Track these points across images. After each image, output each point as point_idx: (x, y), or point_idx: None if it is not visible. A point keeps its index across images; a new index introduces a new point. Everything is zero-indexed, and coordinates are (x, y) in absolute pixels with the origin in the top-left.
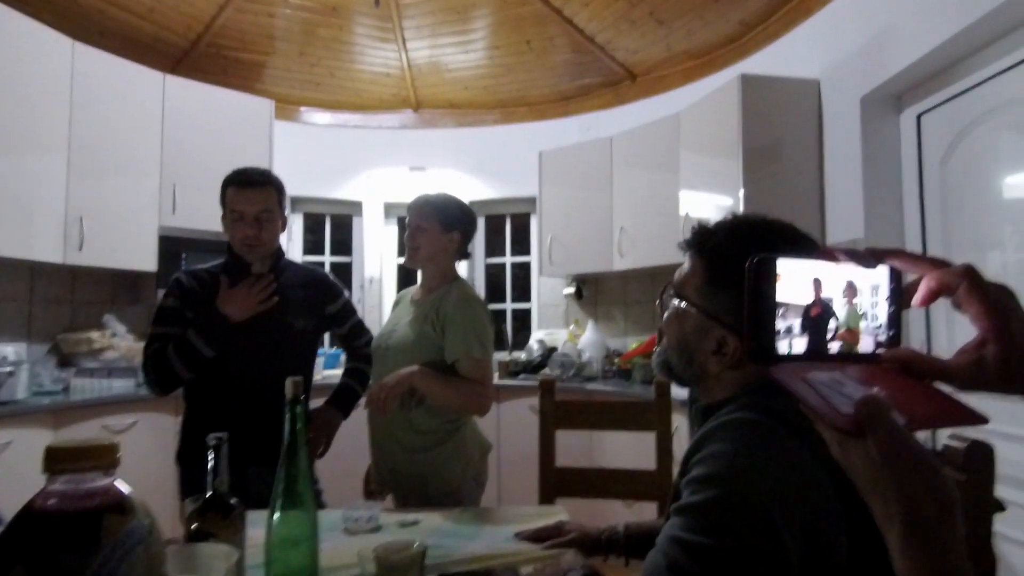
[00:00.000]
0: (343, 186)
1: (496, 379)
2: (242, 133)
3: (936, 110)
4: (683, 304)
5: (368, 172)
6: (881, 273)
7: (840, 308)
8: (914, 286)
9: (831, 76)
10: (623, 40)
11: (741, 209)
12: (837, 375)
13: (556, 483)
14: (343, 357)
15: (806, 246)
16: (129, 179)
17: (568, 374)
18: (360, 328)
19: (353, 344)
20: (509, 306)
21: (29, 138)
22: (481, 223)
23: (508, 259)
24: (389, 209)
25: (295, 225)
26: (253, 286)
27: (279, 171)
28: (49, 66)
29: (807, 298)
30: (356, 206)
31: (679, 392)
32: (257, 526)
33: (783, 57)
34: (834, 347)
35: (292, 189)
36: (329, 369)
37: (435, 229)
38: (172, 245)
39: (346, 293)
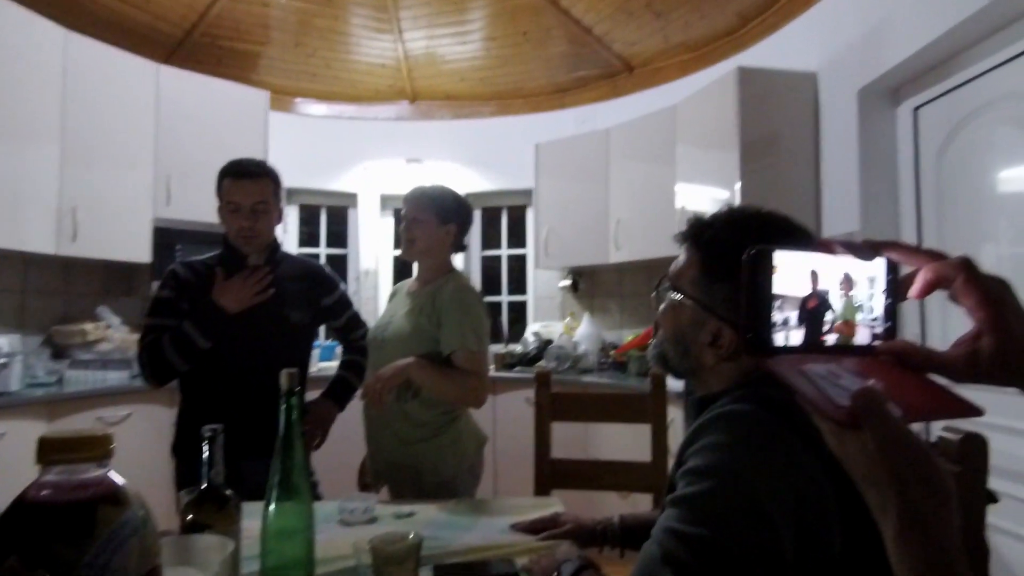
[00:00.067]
0: (339, 178)
1: (492, 371)
2: (237, 124)
3: (933, 103)
4: (679, 296)
5: (364, 164)
6: (878, 265)
7: (837, 300)
8: (910, 278)
9: (828, 69)
10: (620, 32)
11: (737, 202)
12: (833, 367)
13: (551, 475)
14: (339, 349)
15: (802, 238)
16: (123, 170)
17: (564, 366)
18: (356, 320)
19: (349, 337)
20: (505, 298)
21: (21, 128)
22: (477, 215)
23: (504, 251)
24: (385, 201)
25: (291, 217)
26: (249, 278)
27: (274, 162)
28: (41, 55)
29: (804, 290)
30: (352, 198)
31: (675, 384)
32: (253, 517)
33: (780, 50)
34: (830, 339)
35: (287, 181)
36: (325, 361)
37: (431, 221)
38: (166, 236)
39: (342, 285)
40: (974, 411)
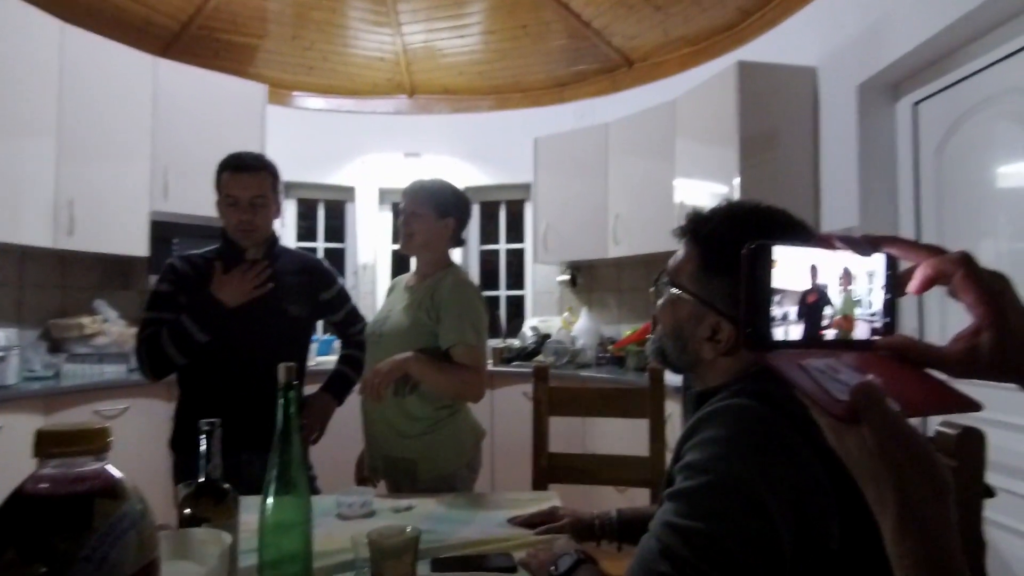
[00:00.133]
0: (337, 172)
1: (490, 366)
2: (234, 118)
3: (933, 98)
4: (677, 291)
5: (362, 158)
6: (877, 260)
7: (836, 295)
8: (909, 273)
9: (828, 64)
10: (620, 26)
11: (737, 197)
12: (832, 362)
13: (549, 469)
14: (337, 344)
15: (801, 232)
16: (120, 164)
17: (562, 361)
18: (355, 315)
19: (348, 331)
20: (503, 293)
21: (18, 121)
22: (476, 210)
23: (502, 246)
24: (383, 195)
25: (288, 211)
26: (247, 272)
27: (272, 156)
28: (38, 48)
29: (803, 285)
30: (350, 192)
31: (672, 379)
32: (251, 511)
33: (780, 44)
34: (829, 334)
35: (285, 174)
36: (322, 356)
37: (430, 215)
38: (164, 230)
39: (341, 280)
40: (972, 406)
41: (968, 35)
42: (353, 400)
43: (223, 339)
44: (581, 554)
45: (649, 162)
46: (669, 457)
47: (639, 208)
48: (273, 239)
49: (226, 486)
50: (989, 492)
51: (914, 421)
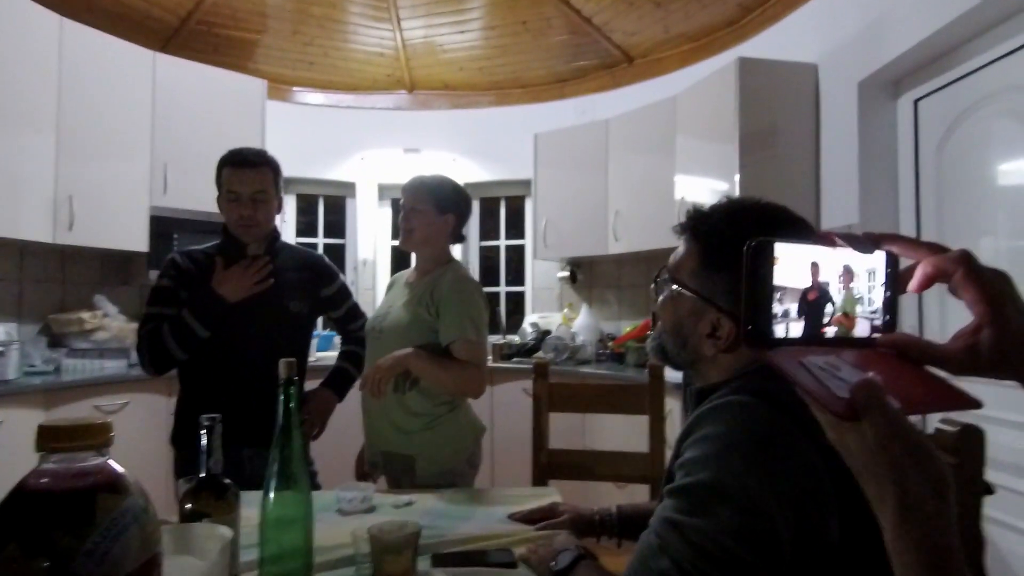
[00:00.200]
0: (336, 167)
1: (490, 362)
2: (234, 113)
3: (933, 96)
4: (678, 288)
5: (362, 153)
6: (878, 258)
7: (837, 293)
8: (909, 271)
9: (829, 60)
10: (620, 22)
11: (737, 193)
12: (833, 359)
13: (549, 465)
14: (336, 339)
15: (801, 229)
16: (119, 159)
17: (562, 357)
18: (356, 311)
19: (348, 327)
20: (503, 289)
21: (17, 116)
22: (476, 206)
23: (502, 242)
24: (383, 191)
25: (288, 207)
26: (249, 267)
27: (272, 152)
28: (37, 43)
29: (804, 282)
30: (350, 187)
31: (672, 376)
32: (252, 506)
33: (781, 41)
34: (830, 331)
35: (285, 170)
36: (322, 351)
37: (430, 211)
38: (163, 226)
39: (342, 276)
40: (973, 403)
41: (968, 33)
42: (354, 396)
43: (224, 334)
44: (581, 550)
45: (649, 158)
46: (669, 453)
47: (639, 204)
48: (274, 235)
49: (227, 481)
50: (988, 489)
51: (913, 418)
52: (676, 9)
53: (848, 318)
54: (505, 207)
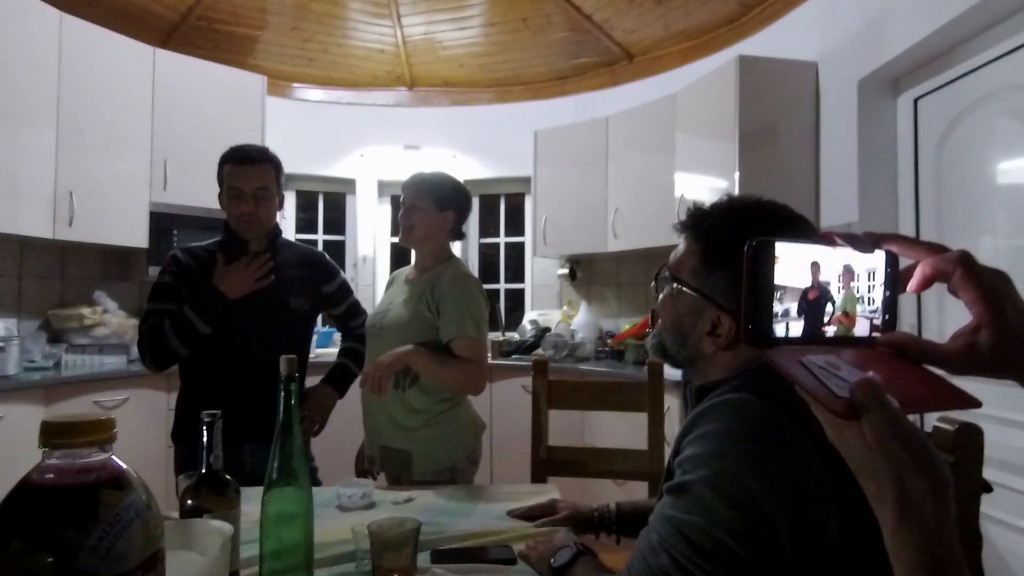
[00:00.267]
0: (336, 164)
1: (490, 359)
2: (234, 109)
3: (933, 94)
4: (678, 285)
5: (362, 150)
6: (878, 257)
7: (837, 292)
8: (909, 271)
9: (829, 59)
10: (621, 19)
11: (736, 191)
12: (833, 359)
13: (548, 462)
14: (336, 336)
15: (801, 228)
16: (119, 155)
17: (561, 354)
18: (356, 308)
19: (349, 324)
20: (503, 286)
21: (17, 112)
22: (475, 203)
23: (502, 239)
24: (383, 187)
25: (288, 203)
26: (250, 264)
27: (272, 148)
28: (37, 39)
29: (805, 281)
30: (349, 184)
31: (671, 373)
32: (252, 502)
33: (781, 39)
34: (830, 331)
35: (284, 166)
36: (322, 348)
37: (430, 208)
38: (163, 221)
39: (342, 273)
40: (971, 402)
41: (968, 32)
42: (354, 392)
43: (225, 331)
44: (580, 546)
45: (649, 156)
46: (667, 451)
47: (639, 202)
48: (276, 231)
49: (227, 477)
50: (987, 487)
51: (912, 417)
52: (676, 6)
53: (848, 317)
54: (505, 204)
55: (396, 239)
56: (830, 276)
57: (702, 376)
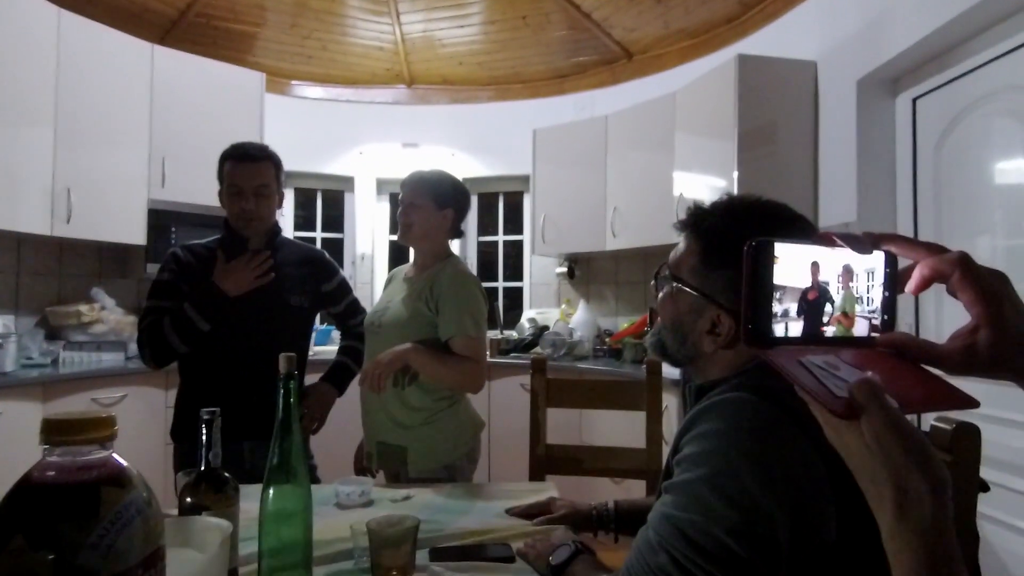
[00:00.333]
0: (335, 161)
1: (488, 357)
2: (232, 106)
3: (932, 94)
4: (678, 284)
5: (360, 147)
6: (877, 258)
7: (836, 292)
8: (908, 272)
9: (828, 58)
10: (620, 17)
11: (735, 190)
12: (832, 359)
13: (546, 460)
14: (335, 334)
15: (801, 227)
16: (117, 151)
17: (559, 353)
18: (356, 307)
19: (348, 322)
20: (501, 284)
21: (14, 108)
22: (474, 201)
23: (501, 237)
24: (381, 185)
25: (286, 200)
26: (250, 261)
27: (270, 145)
28: (35, 35)
29: (804, 282)
30: (348, 182)
31: (670, 372)
32: (252, 500)
33: (780, 38)
34: (829, 331)
35: (283, 164)
36: (320, 345)
37: (428, 206)
38: (161, 218)
39: (342, 272)
40: (970, 403)
41: (967, 32)
42: (353, 390)
43: (225, 328)
44: (578, 544)
45: (648, 155)
46: (666, 449)
47: (638, 201)
48: (275, 229)
49: (226, 475)
50: (984, 486)
51: (909, 416)
52: (676, 5)
53: (847, 317)
54: (504, 202)
55: (395, 237)
56: (829, 276)
57: (701, 375)
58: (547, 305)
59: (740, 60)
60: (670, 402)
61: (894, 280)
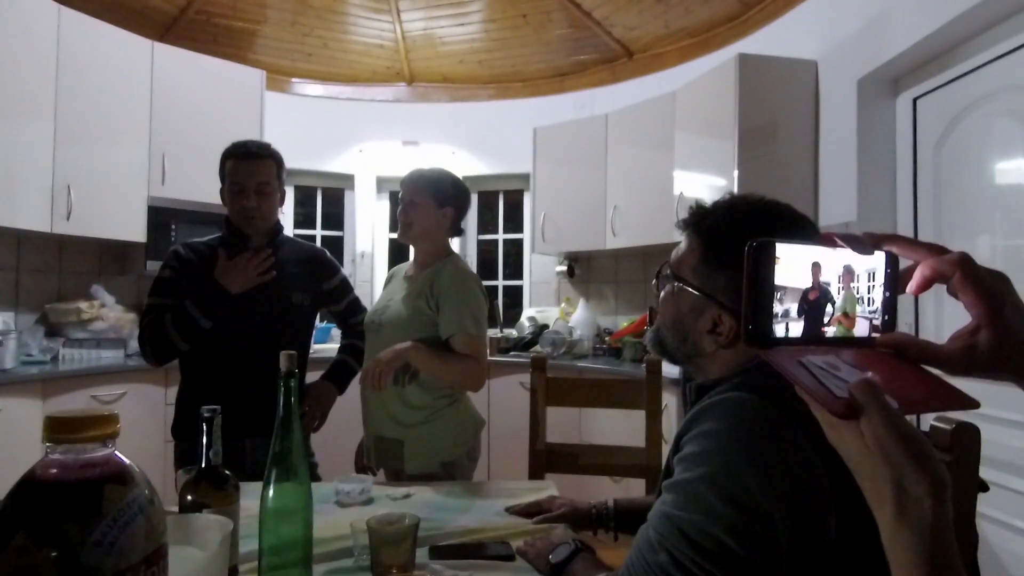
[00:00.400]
0: (335, 159)
1: (488, 355)
2: (232, 104)
3: (932, 94)
4: (679, 283)
5: (360, 145)
6: (878, 259)
7: (837, 293)
8: (909, 273)
9: (829, 58)
10: (621, 16)
11: (735, 190)
12: (832, 359)
13: (546, 459)
14: (335, 332)
15: (803, 227)
16: (117, 148)
17: (559, 351)
18: (356, 305)
19: (349, 321)
20: (501, 283)
21: (15, 105)
22: (474, 199)
23: (500, 236)
24: (381, 183)
25: (286, 198)
26: (252, 259)
27: (270, 143)
28: (35, 31)
29: (805, 282)
30: (348, 180)
31: (669, 371)
32: (252, 497)
33: (781, 37)
34: (830, 331)
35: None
36: (319, 343)
37: (428, 204)
38: (161, 216)
39: (343, 271)
40: (970, 403)
41: (968, 32)
42: (354, 389)
43: (226, 326)
44: (578, 543)
45: (648, 154)
46: (665, 448)
47: (638, 200)
48: (277, 228)
49: (226, 472)
50: (983, 486)
51: (909, 416)
52: (676, 4)
53: (848, 318)
54: (504, 201)
55: (395, 235)
56: (830, 277)
57: (702, 374)
58: (547, 304)
59: (740, 59)
60: (669, 401)
61: (895, 281)
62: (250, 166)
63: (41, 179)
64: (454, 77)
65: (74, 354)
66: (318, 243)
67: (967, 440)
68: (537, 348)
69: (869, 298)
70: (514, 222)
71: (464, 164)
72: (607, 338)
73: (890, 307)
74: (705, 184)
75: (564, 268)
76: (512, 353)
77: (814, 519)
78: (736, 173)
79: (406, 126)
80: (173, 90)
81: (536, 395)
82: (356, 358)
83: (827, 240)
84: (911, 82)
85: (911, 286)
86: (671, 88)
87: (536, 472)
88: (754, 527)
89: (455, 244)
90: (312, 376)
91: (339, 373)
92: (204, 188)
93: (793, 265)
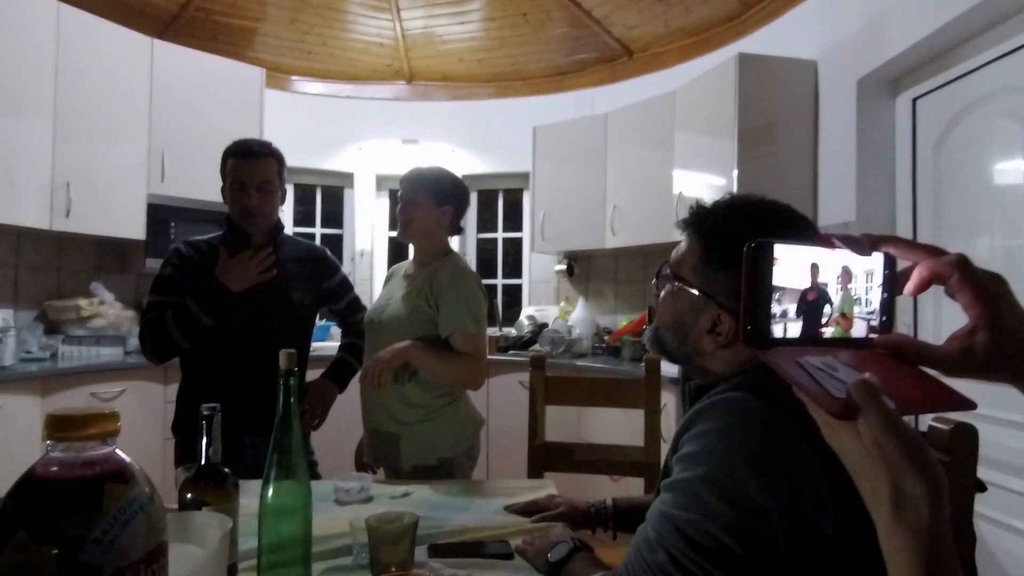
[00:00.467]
0: (334, 157)
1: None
2: (232, 101)
3: (932, 95)
4: (679, 283)
5: (360, 144)
6: (876, 260)
7: (835, 293)
8: (907, 274)
9: (828, 57)
10: (621, 15)
11: (735, 189)
12: (830, 359)
13: (545, 457)
14: (334, 330)
15: (803, 227)
16: (117, 146)
17: (558, 350)
18: (357, 304)
19: (349, 320)
20: (500, 282)
21: (13, 102)
22: (473, 198)
23: (500, 235)
24: (381, 181)
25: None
26: (253, 257)
27: (271, 141)
28: (34, 28)
29: (803, 283)
30: (348, 178)
31: (668, 370)
32: (252, 495)
33: (781, 37)
34: (828, 332)
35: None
36: (319, 342)
37: (428, 203)
38: (161, 213)
39: (343, 270)
40: (967, 404)
41: (967, 32)
42: (354, 387)
43: (227, 324)
44: (577, 541)
45: (648, 153)
46: (664, 447)
47: (637, 199)
48: (278, 226)
49: (226, 470)
50: (981, 486)
51: (906, 418)
52: (676, 3)
53: (846, 319)
54: (503, 200)
55: (394, 233)
56: (828, 278)
57: (701, 373)
58: (546, 302)
59: (740, 59)
60: (668, 400)
61: (892, 282)
62: (252, 164)
63: (40, 176)
64: (454, 75)
65: (73, 351)
66: (317, 241)
67: (965, 440)
68: (536, 347)
69: (867, 299)
70: (513, 221)
71: (464, 163)
72: (606, 337)
73: (888, 308)
74: (705, 184)
75: (563, 267)
76: (511, 352)
77: (812, 519)
78: (736, 173)
79: (406, 124)
80: (173, 88)
81: (535, 394)
82: (356, 357)
83: (826, 241)
84: (911, 82)
85: (909, 287)
86: (671, 87)
87: (535, 471)
88: (752, 526)
89: (455, 243)
90: (312, 374)
91: (339, 372)
92: (203, 186)
93: (792, 266)
